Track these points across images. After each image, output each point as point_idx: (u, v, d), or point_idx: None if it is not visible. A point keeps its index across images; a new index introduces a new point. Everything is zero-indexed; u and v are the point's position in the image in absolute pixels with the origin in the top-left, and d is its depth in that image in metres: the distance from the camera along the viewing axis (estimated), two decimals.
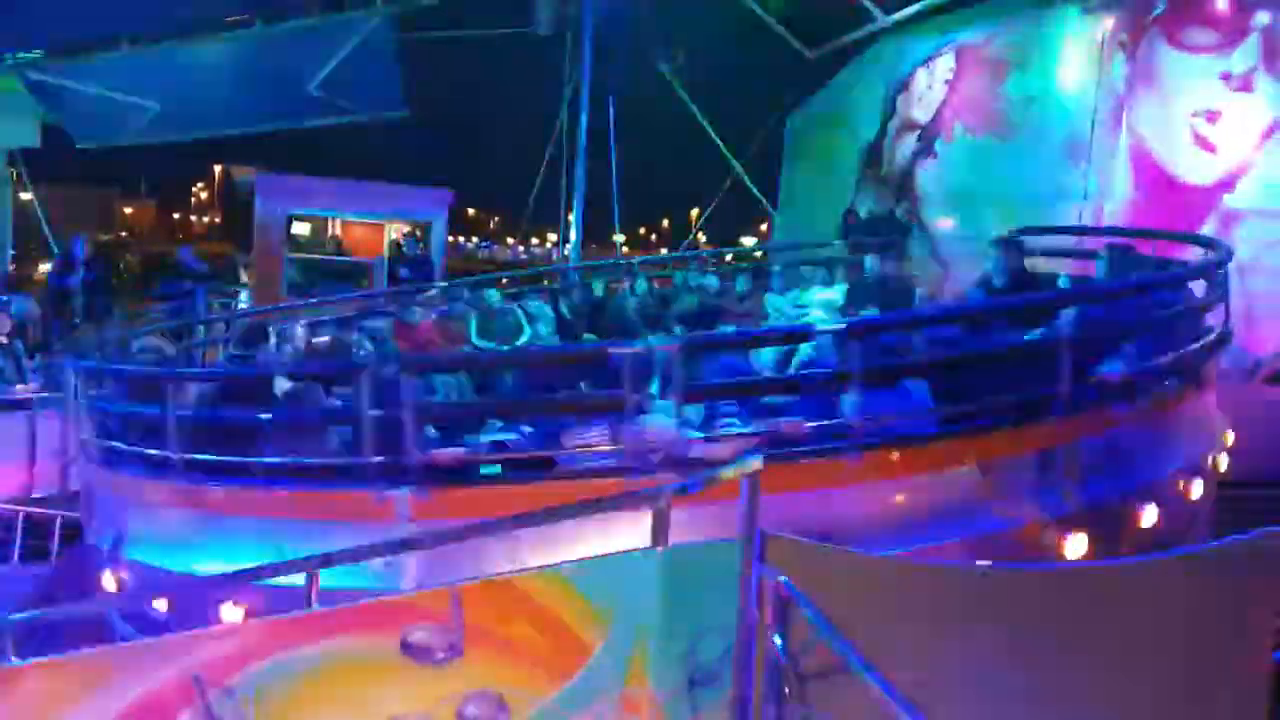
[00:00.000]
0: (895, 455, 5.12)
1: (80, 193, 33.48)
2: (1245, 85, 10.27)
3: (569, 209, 17.15)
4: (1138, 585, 3.53)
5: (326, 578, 3.86)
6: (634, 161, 17.58)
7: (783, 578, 3.44)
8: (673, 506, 3.49)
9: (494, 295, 10.55)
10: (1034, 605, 3.63)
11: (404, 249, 15.09)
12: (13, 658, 3.76)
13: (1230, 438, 6.76)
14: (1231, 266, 7.04)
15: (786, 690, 3.47)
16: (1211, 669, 3.43)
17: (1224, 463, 6.58)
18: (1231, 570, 3.49)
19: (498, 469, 5.42)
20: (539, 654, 3.45)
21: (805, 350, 6.14)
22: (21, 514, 8.79)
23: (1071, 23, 11.83)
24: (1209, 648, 3.43)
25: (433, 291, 12.13)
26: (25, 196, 16.89)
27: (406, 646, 3.45)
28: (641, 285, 11.12)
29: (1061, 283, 7.66)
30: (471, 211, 46.85)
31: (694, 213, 21.67)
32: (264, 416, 5.67)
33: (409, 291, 11.98)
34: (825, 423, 5.15)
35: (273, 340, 7.41)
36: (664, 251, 33.90)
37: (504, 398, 7.30)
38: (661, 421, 4.91)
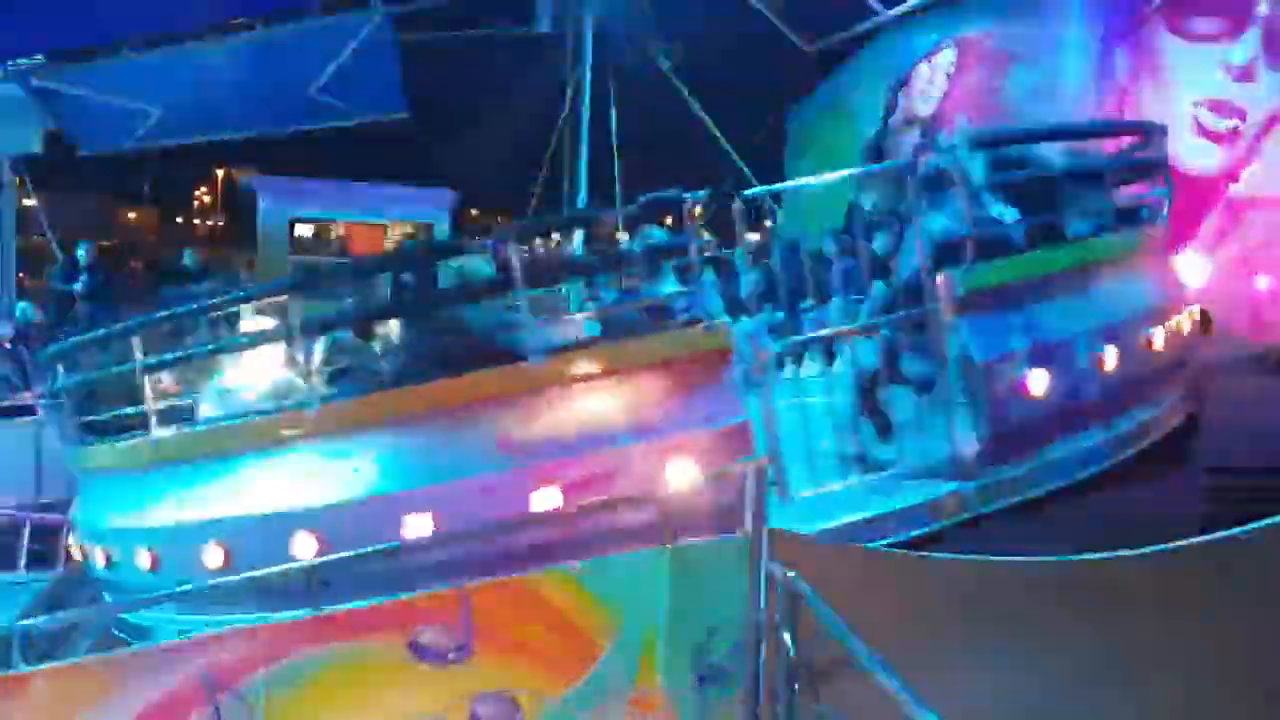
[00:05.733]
0: None
1: (83, 198, 33.46)
2: (1247, 74, 10.24)
3: (571, 207, 17.13)
4: (1153, 578, 3.53)
5: None
6: (635, 159, 17.56)
7: (791, 574, 3.43)
8: None
9: None
10: (1048, 599, 3.63)
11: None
12: (23, 664, 3.76)
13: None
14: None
15: (796, 687, 3.46)
16: (1230, 661, 3.42)
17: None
18: (1244, 560, 3.49)
19: None
20: (549, 654, 3.45)
21: None
22: (28, 520, 8.80)
23: (1073, 13, 11.80)
24: (1226, 640, 3.43)
25: None
26: (28, 203, 16.89)
27: (416, 647, 3.45)
28: None
29: None
30: (474, 212, 46.82)
31: (696, 210, 21.57)
32: None
33: None
34: None
35: None
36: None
37: None
38: None
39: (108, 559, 6.35)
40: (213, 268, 16.09)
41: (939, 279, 5.90)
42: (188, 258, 14.81)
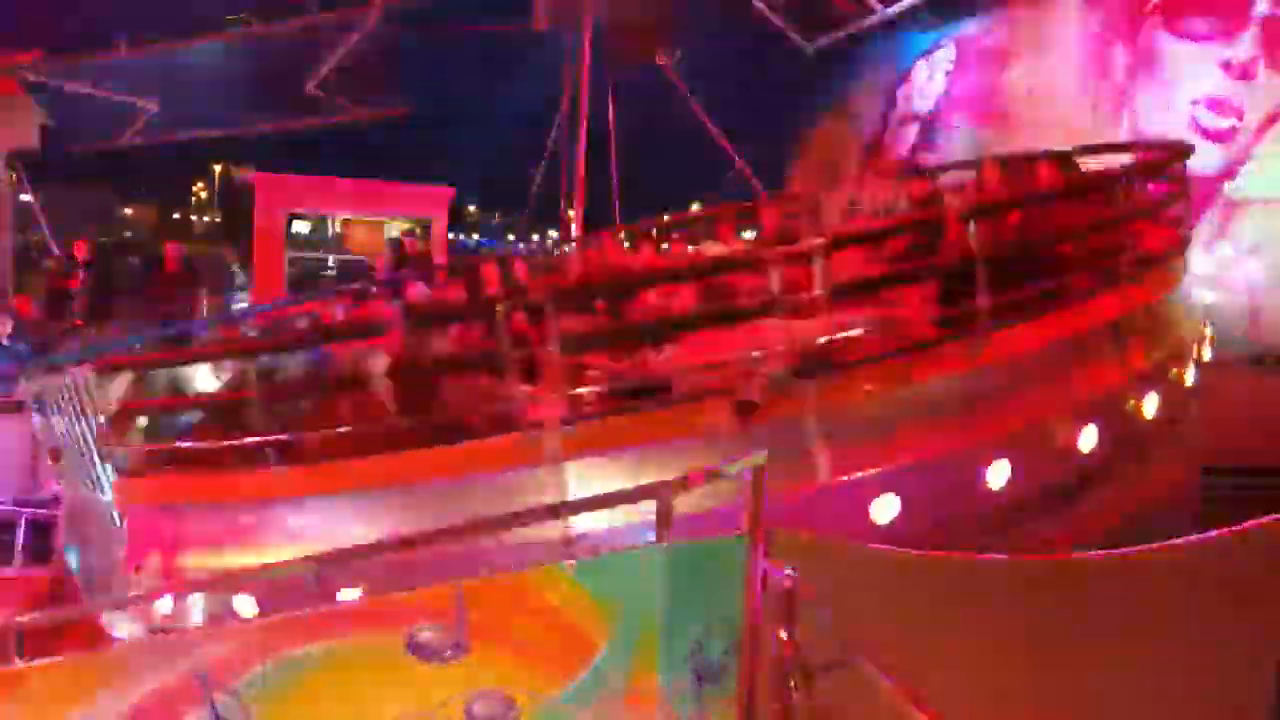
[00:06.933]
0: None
1: (79, 194, 33.42)
2: (1246, 73, 10.24)
3: (569, 205, 17.13)
4: (1152, 577, 3.53)
5: None
6: (634, 157, 17.55)
7: (788, 572, 3.42)
8: None
9: None
10: (1043, 597, 3.62)
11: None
12: (18, 659, 3.75)
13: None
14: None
15: (793, 685, 3.46)
16: (1220, 660, 3.42)
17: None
18: (1240, 560, 3.49)
19: None
20: (545, 651, 3.44)
21: None
22: (25, 516, 8.79)
23: (1071, 12, 11.81)
24: (1220, 639, 3.43)
25: None
26: (25, 198, 16.87)
27: (412, 645, 3.44)
28: None
29: None
30: (472, 209, 46.80)
31: (695, 207, 21.58)
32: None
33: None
34: None
35: None
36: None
37: None
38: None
39: None
40: (205, 265, 16.05)
41: None
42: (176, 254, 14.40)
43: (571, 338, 5.40)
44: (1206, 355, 6.78)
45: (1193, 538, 3.98)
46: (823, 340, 5.24)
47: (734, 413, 4.96)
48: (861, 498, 4.97)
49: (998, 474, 5.21)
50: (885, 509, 4.98)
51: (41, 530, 8.76)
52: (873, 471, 5.03)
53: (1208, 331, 6.89)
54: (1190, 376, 6.45)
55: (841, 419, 5.10)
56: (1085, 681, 3.58)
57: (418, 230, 15.12)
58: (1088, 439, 5.48)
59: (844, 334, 5.34)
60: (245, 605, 4.65)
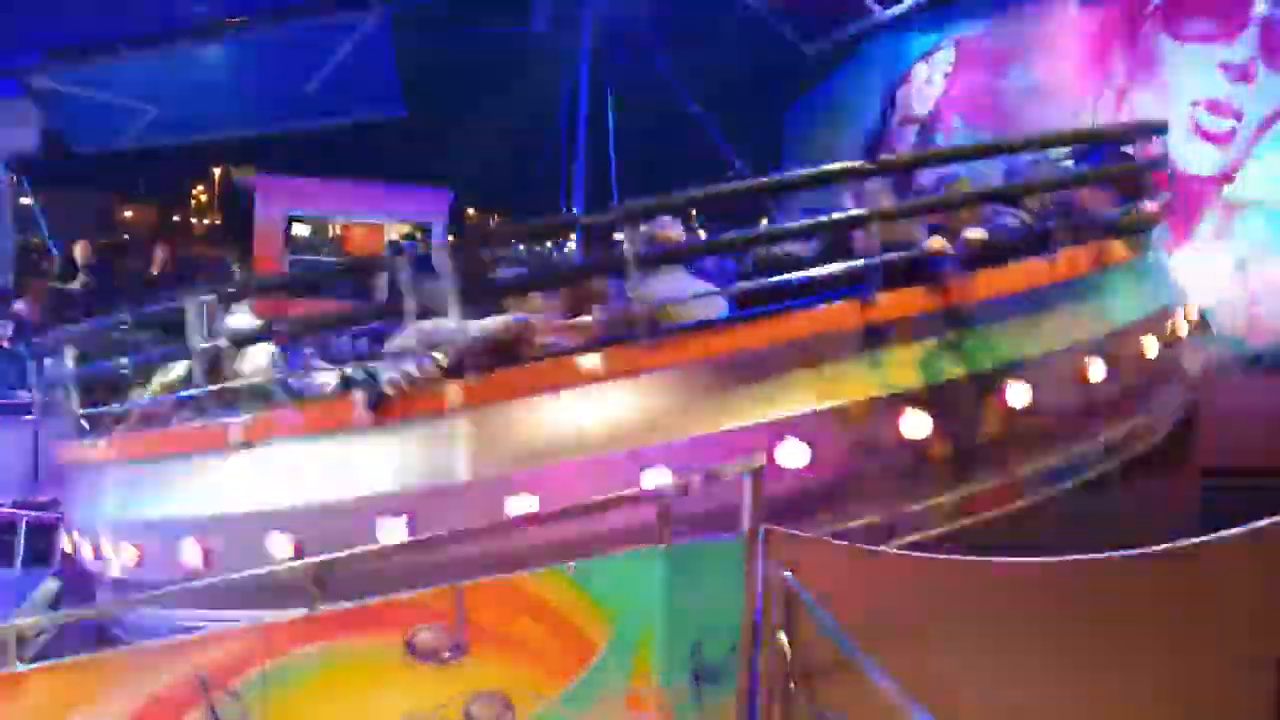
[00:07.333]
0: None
1: (80, 197, 33.37)
2: (1245, 75, 10.23)
3: (569, 207, 17.15)
4: (1153, 579, 3.52)
5: None
6: (633, 158, 17.57)
7: (787, 573, 3.43)
8: None
9: None
10: (1048, 600, 3.62)
11: (403, 250, 15.06)
12: (18, 662, 3.76)
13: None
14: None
15: (792, 687, 3.46)
16: (1221, 662, 3.42)
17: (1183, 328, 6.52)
18: (1240, 560, 3.48)
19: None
20: (545, 653, 3.45)
21: None
22: (25, 518, 8.80)
23: (1070, 13, 11.82)
24: (1220, 640, 3.43)
25: None
26: (25, 202, 16.88)
27: (412, 647, 3.45)
28: None
29: None
30: (471, 211, 46.80)
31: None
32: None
33: None
34: None
35: None
36: None
37: None
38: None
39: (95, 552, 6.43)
40: (203, 267, 15.99)
41: None
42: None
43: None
44: (1182, 332, 6.48)
45: (1196, 540, 3.97)
46: (475, 339, 5.05)
47: (363, 404, 4.98)
48: (498, 501, 4.63)
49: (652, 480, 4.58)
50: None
51: (43, 532, 8.77)
52: (509, 475, 4.70)
53: (1183, 312, 6.59)
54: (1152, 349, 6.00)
55: (486, 421, 4.86)
56: (1085, 683, 3.58)
57: (418, 234, 15.12)
58: (794, 455, 4.78)
59: (490, 332, 5.11)
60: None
